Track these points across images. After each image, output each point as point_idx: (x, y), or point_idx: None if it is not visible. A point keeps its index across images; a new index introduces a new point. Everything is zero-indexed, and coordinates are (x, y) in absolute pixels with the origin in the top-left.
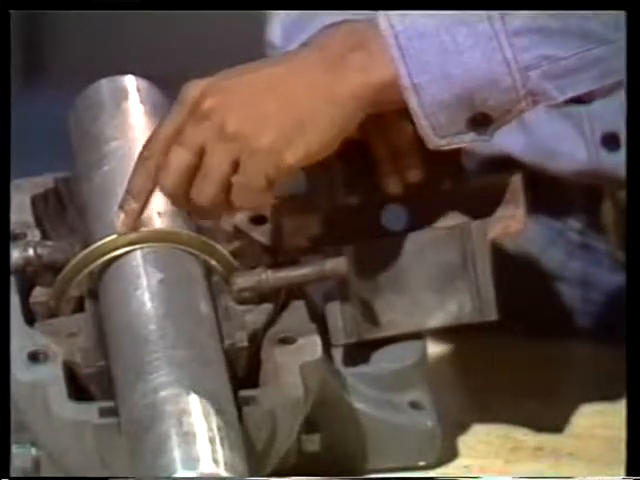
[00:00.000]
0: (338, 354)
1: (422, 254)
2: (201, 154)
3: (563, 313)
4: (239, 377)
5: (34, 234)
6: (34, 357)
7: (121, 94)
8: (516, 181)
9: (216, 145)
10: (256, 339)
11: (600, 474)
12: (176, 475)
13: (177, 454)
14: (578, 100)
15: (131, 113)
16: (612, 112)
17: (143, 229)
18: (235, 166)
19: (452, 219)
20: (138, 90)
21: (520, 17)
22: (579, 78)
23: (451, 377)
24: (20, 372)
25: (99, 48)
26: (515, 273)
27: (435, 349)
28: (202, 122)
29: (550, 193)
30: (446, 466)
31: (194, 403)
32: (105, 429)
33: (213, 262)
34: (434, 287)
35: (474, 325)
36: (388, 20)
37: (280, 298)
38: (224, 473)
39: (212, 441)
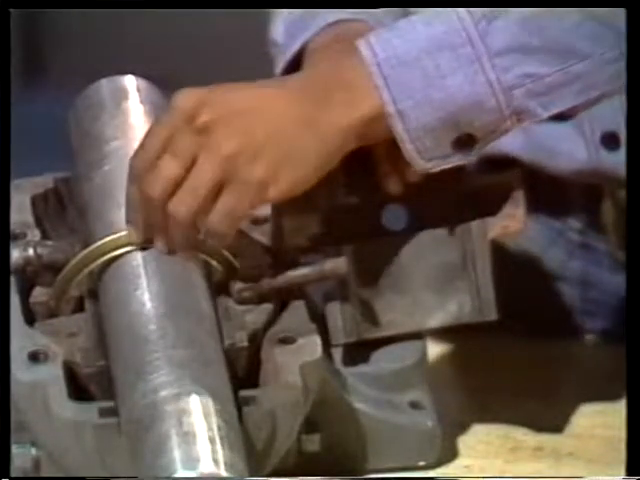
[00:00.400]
0: (338, 354)
1: (422, 254)
2: (191, 166)
3: (563, 313)
4: (239, 377)
5: (34, 234)
6: (34, 357)
7: (121, 94)
8: (516, 181)
9: (207, 162)
10: (256, 339)
11: (600, 474)
12: (176, 475)
13: (177, 454)
14: (561, 116)
15: (131, 113)
16: (612, 112)
17: None
18: (220, 187)
19: (452, 219)
20: (138, 90)
21: (501, 36)
22: (562, 94)
23: (451, 377)
24: (20, 372)
25: (99, 48)
26: (515, 273)
27: (435, 349)
28: (197, 135)
29: (550, 193)
30: (446, 466)
31: (194, 403)
32: (105, 429)
33: (213, 262)
34: (434, 287)
35: (474, 325)
36: (370, 48)
37: (280, 298)
38: (224, 473)
39: (212, 441)
